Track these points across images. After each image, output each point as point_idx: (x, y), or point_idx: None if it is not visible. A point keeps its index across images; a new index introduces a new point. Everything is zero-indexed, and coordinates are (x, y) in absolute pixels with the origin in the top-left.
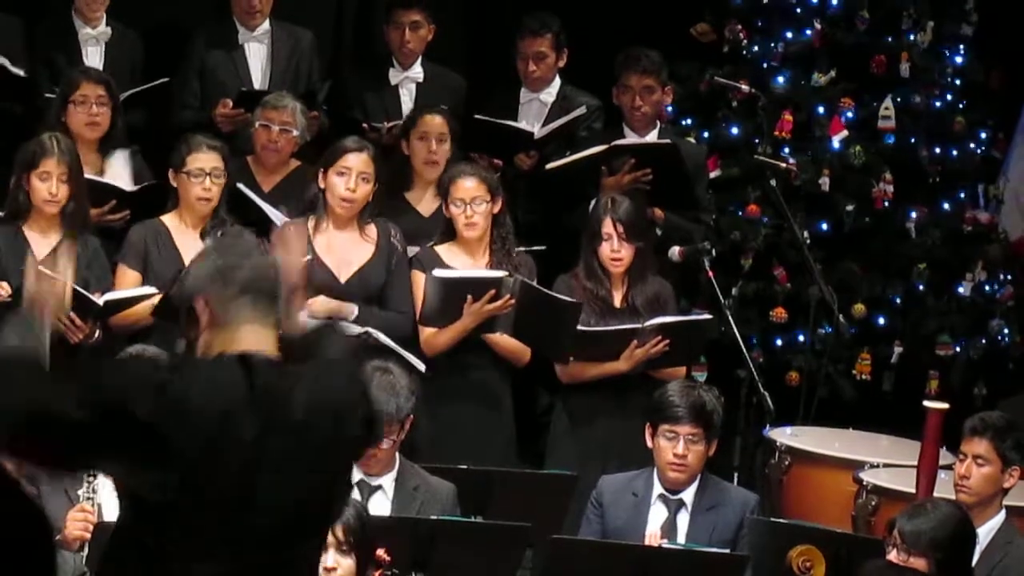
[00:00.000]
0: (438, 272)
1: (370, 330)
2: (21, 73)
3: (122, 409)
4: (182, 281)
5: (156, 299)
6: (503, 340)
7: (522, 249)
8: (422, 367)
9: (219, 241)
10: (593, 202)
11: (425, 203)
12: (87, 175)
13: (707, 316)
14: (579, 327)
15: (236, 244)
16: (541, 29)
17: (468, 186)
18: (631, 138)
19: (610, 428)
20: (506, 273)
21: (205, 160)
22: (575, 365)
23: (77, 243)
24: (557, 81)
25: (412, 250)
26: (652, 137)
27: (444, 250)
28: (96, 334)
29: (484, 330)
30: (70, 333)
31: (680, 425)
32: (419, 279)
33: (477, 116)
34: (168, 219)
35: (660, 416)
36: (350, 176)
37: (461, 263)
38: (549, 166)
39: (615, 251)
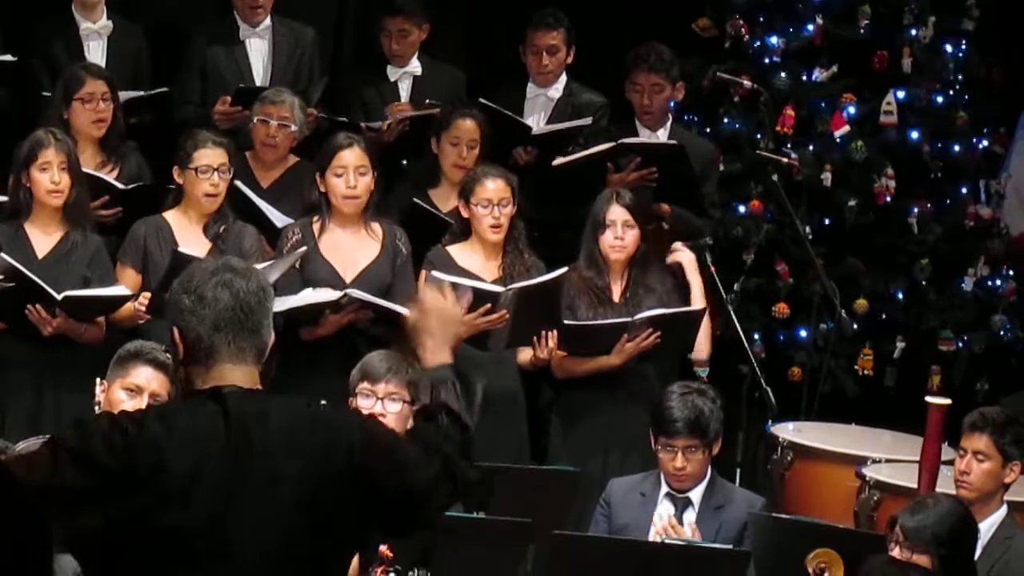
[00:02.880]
0: (436, 274)
1: (349, 291)
2: (10, 58)
3: (90, 459)
4: (168, 298)
5: (142, 297)
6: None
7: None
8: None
9: (198, 266)
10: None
11: (451, 202)
12: (88, 170)
13: (699, 307)
14: (571, 322)
15: (216, 271)
16: (555, 23)
17: (495, 187)
18: (643, 134)
19: (610, 417)
20: (503, 288)
21: (212, 156)
22: (568, 360)
23: (80, 238)
24: (564, 77)
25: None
26: (663, 133)
27: (456, 250)
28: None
29: (477, 343)
30: (41, 325)
31: (676, 439)
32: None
33: (482, 100)
34: (171, 215)
35: (658, 428)
36: (348, 174)
37: (473, 263)
38: (556, 163)
39: (619, 238)
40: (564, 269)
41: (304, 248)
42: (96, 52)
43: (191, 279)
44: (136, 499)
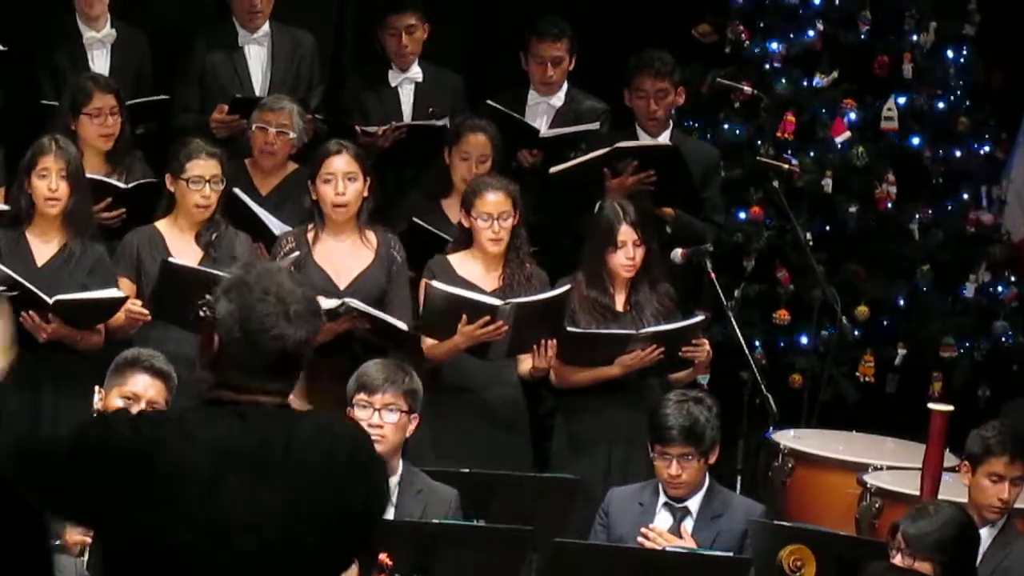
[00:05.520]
0: (437, 284)
1: (347, 300)
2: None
3: (110, 450)
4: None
5: (131, 303)
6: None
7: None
8: (404, 326)
9: (259, 300)
10: (597, 208)
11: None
12: (90, 174)
13: (699, 318)
14: (573, 329)
15: (275, 316)
16: (559, 34)
17: (495, 200)
18: (644, 140)
19: (613, 418)
20: (502, 302)
21: (204, 167)
22: (567, 369)
23: (79, 247)
24: (565, 84)
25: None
26: (664, 138)
27: (457, 259)
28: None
29: (477, 353)
30: (35, 331)
31: (671, 446)
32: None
33: (489, 102)
34: (163, 225)
35: (654, 436)
36: (336, 180)
37: (474, 272)
38: (552, 171)
39: (631, 258)
40: (567, 287)
41: (296, 253)
42: (100, 61)
43: (249, 313)
44: (142, 505)
